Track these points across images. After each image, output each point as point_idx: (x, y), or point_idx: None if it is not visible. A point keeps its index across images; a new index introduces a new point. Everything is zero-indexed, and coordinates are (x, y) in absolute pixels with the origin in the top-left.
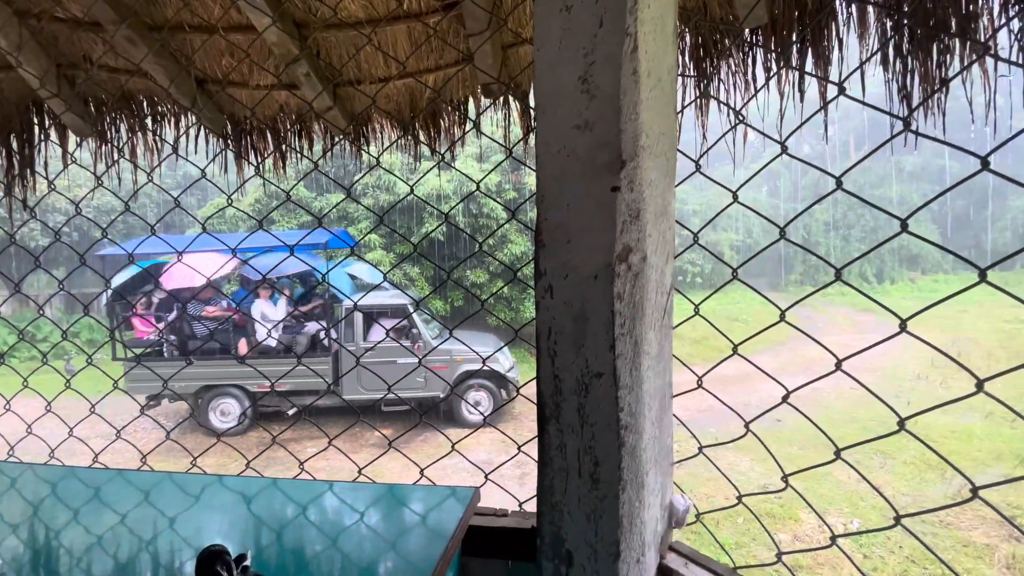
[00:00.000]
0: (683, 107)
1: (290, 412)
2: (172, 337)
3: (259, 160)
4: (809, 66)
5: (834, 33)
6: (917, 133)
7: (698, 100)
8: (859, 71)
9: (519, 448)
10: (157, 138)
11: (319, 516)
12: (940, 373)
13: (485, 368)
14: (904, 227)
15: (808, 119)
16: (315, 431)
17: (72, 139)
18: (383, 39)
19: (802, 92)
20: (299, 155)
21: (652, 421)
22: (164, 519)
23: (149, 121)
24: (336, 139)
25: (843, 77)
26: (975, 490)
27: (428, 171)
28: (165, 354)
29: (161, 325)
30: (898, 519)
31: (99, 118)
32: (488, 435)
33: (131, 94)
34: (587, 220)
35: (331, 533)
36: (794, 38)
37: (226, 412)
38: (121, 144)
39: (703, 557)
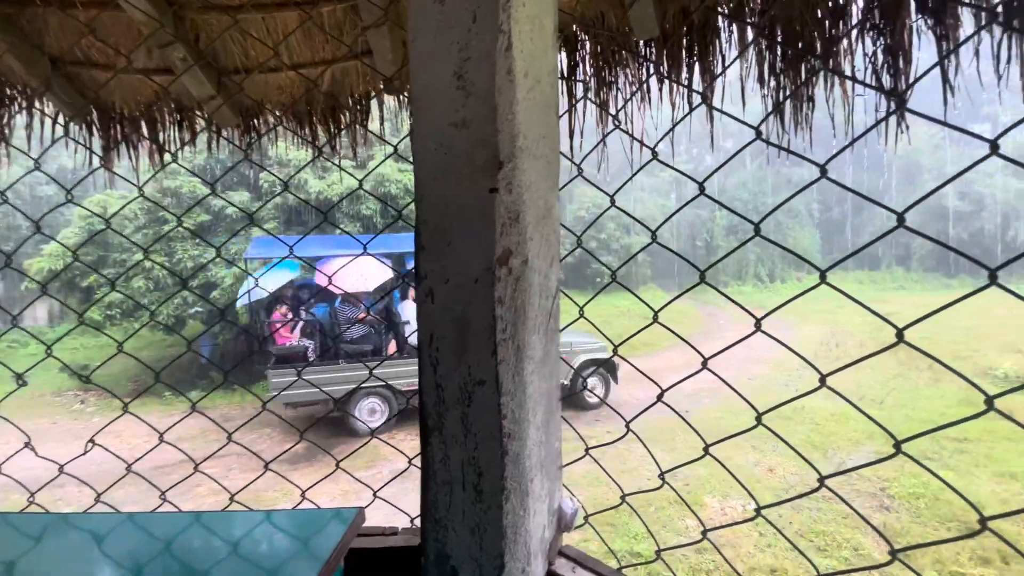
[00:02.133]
0: (567, 110)
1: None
2: (310, 343)
3: (132, 152)
4: (697, 79)
5: (718, 49)
6: (768, 142)
7: (598, 108)
8: (738, 87)
9: (410, 461)
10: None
11: (181, 552)
12: (821, 362)
13: (602, 357)
14: (757, 231)
15: (671, 129)
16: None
17: None
18: (272, 25)
19: (690, 104)
20: (181, 148)
21: (537, 426)
22: None
23: None
24: (223, 132)
25: (723, 92)
26: (822, 480)
27: (305, 165)
28: (311, 358)
29: (296, 331)
30: (758, 511)
31: None
32: (408, 444)
33: None
34: (466, 222)
35: (195, 569)
36: (683, 52)
37: (373, 411)
38: None
39: (591, 560)
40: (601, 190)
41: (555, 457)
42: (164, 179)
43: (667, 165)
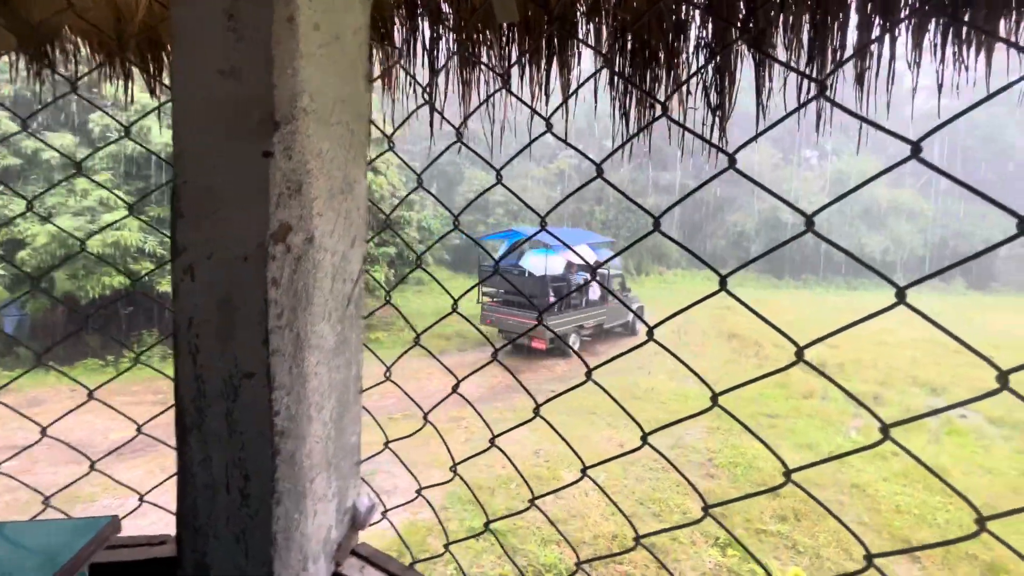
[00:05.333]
0: (373, 74)
1: (572, 344)
2: (548, 299)
3: None
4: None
5: (575, 45)
6: (556, 136)
7: (459, 87)
8: (601, 85)
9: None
10: None
11: None
12: (671, 347)
13: (641, 306)
14: (543, 225)
15: (475, 109)
16: None
17: None
18: None
19: (547, 95)
20: None
21: (324, 422)
22: None
23: None
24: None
25: (578, 88)
26: (584, 470)
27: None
28: (556, 310)
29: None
30: (532, 501)
31: None
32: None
33: None
34: (235, 189)
35: None
36: (543, 42)
37: (573, 341)
38: None
39: (382, 558)
40: (412, 170)
41: (350, 452)
42: None
43: (470, 149)
